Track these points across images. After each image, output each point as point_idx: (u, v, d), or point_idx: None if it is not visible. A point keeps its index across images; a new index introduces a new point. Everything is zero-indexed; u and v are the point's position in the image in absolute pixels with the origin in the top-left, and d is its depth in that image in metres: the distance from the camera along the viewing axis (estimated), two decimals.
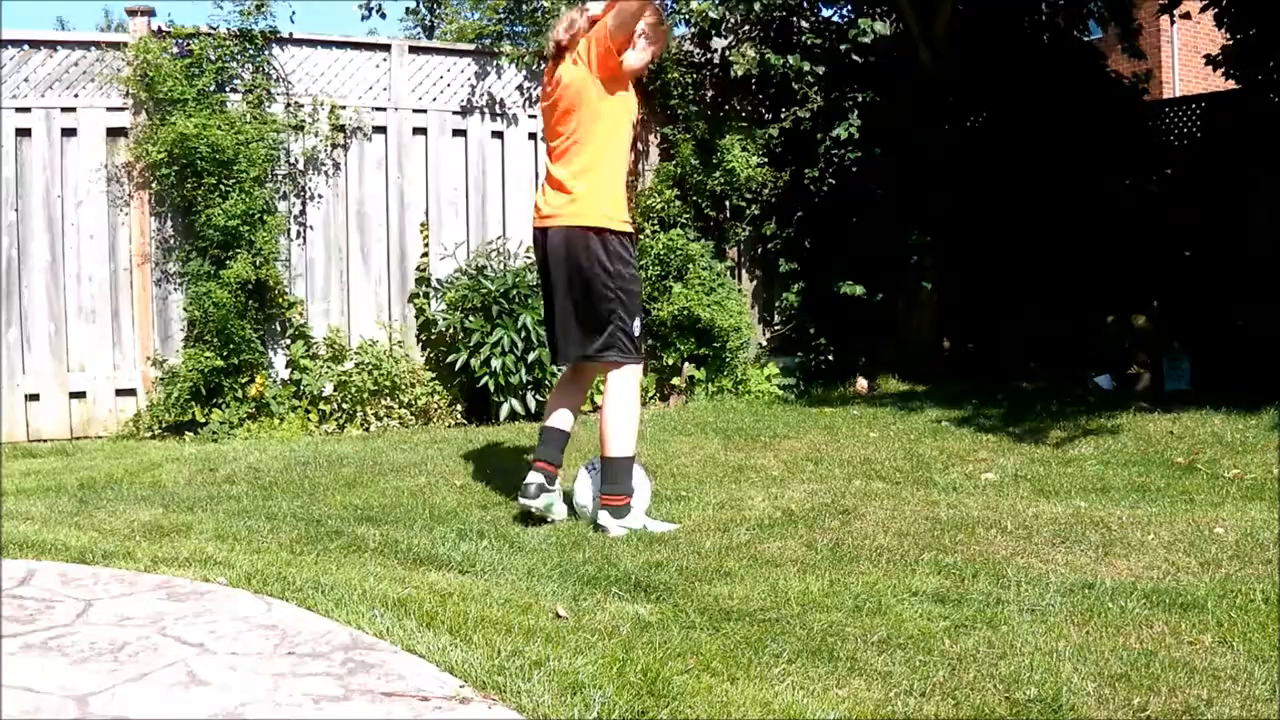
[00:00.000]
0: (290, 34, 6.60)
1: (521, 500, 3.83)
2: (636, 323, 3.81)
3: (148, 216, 6.30)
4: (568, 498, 3.99)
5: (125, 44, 6.23)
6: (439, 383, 6.73)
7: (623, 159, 3.85)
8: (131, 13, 6.28)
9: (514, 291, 6.57)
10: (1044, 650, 2.50)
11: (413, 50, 7.04)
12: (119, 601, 2.74)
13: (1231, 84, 8.04)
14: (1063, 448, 5.11)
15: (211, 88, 6.29)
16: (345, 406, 6.43)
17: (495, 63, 7.18)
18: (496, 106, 7.19)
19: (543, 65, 7.22)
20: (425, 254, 6.96)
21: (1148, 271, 8.06)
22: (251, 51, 6.45)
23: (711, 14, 7.52)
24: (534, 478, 3.85)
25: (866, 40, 7.69)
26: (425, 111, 6.98)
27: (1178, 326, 7.64)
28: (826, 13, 8.32)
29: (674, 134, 7.49)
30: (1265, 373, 6.61)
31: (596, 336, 3.78)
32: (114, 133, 6.25)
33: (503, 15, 7.81)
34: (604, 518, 3.76)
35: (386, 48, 6.94)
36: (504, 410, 6.51)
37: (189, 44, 6.25)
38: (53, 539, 3.37)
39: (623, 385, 3.79)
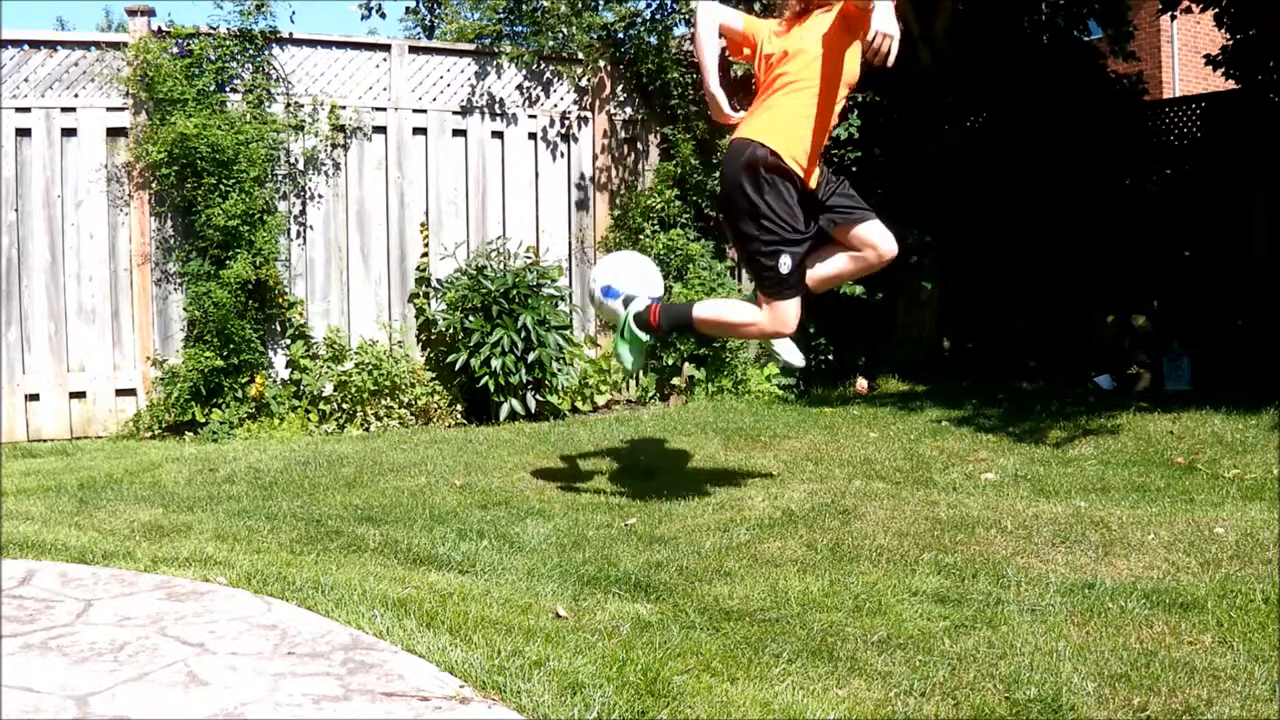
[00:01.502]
0: (290, 34, 6.60)
1: None
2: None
3: (148, 216, 6.30)
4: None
5: (125, 44, 6.23)
6: (439, 383, 6.73)
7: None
8: (131, 13, 6.27)
9: (514, 291, 6.57)
10: (1044, 650, 2.50)
11: (413, 50, 7.04)
12: (119, 601, 2.74)
13: (1231, 84, 8.04)
14: (1063, 448, 5.11)
15: (211, 88, 6.29)
16: (345, 406, 6.43)
17: (495, 63, 7.18)
18: (496, 106, 7.19)
19: (541, 64, 7.27)
20: (425, 254, 6.96)
21: (1148, 271, 8.06)
22: (251, 51, 6.45)
23: None
24: None
25: None
26: (425, 111, 6.98)
27: (1178, 326, 7.64)
28: None
29: (674, 134, 7.49)
30: (1265, 373, 6.61)
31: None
32: (114, 133, 6.25)
33: (503, 15, 7.81)
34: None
35: (386, 48, 6.94)
36: (504, 410, 6.50)
37: (189, 44, 6.25)
38: (53, 539, 3.37)
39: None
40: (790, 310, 3.82)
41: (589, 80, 7.45)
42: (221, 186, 6.10)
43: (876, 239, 3.86)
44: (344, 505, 4.17)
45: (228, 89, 6.42)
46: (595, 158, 7.47)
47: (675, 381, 7.41)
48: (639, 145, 7.64)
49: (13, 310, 6.09)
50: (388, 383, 6.47)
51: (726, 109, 3.86)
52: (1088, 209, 8.09)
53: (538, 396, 6.61)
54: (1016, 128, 8.06)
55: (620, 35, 7.51)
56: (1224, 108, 8.17)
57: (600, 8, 7.61)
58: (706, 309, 3.97)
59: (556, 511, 4.05)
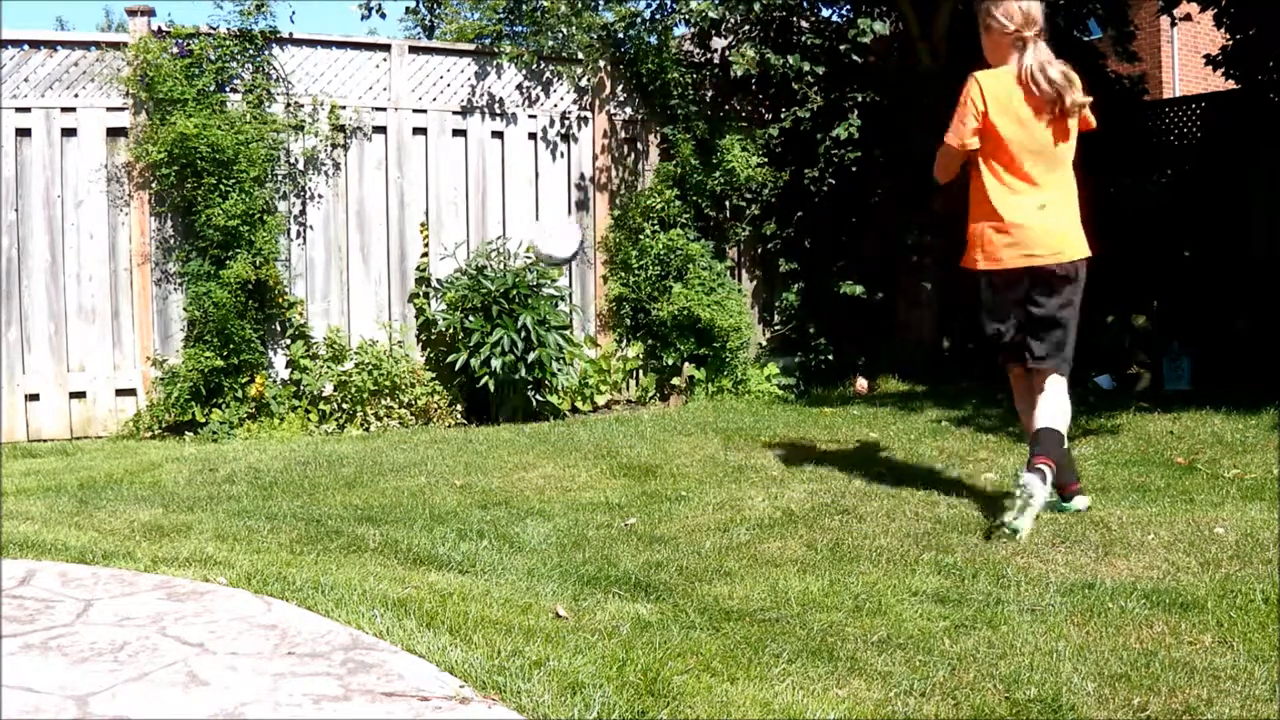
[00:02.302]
0: (290, 34, 6.61)
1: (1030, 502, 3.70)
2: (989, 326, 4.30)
3: (148, 216, 6.30)
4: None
5: (125, 44, 6.23)
6: (439, 383, 6.74)
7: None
8: (131, 13, 6.28)
9: (514, 291, 6.57)
10: (1044, 650, 2.50)
11: (413, 50, 7.04)
12: (119, 601, 2.74)
13: (1231, 84, 8.04)
14: None
15: (211, 88, 6.29)
16: (345, 406, 6.43)
17: (495, 62, 7.19)
18: (496, 106, 7.20)
19: (541, 64, 7.26)
20: (425, 254, 6.96)
21: (1148, 271, 8.05)
22: (251, 51, 6.45)
23: (711, 14, 7.52)
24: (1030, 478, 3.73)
25: (866, 40, 7.69)
26: (425, 111, 6.98)
27: (1178, 326, 7.64)
28: (826, 13, 8.32)
29: (674, 134, 7.49)
30: (1265, 373, 6.61)
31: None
32: (114, 133, 6.25)
33: (503, 15, 7.82)
34: (1030, 479, 3.57)
35: (386, 48, 6.95)
36: (504, 410, 6.50)
37: (189, 44, 6.25)
38: (53, 539, 3.37)
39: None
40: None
41: (589, 80, 7.45)
42: (221, 186, 6.10)
43: None
44: (344, 505, 4.17)
45: (228, 89, 6.42)
46: (595, 158, 7.47)
47: (675, 381, 7.41)
48: (639, 145, 7.64)
49: (13, 310, 6.09)
50: (388, 383, 6.47)
51: None
52: (1088, 209, 8.08)
53: (538, 396, 6.61)
54: None
55: (620, 35, 7.51)
56: (1224, 108, 8.17)
57: (600, 8, 7.61)
58: (1053, 418, 3.85)
59: (556, 511, 4.05)
